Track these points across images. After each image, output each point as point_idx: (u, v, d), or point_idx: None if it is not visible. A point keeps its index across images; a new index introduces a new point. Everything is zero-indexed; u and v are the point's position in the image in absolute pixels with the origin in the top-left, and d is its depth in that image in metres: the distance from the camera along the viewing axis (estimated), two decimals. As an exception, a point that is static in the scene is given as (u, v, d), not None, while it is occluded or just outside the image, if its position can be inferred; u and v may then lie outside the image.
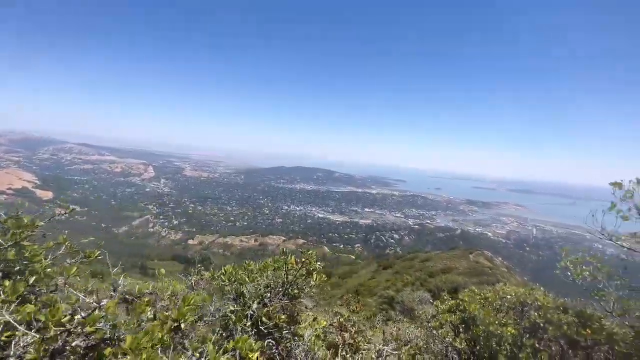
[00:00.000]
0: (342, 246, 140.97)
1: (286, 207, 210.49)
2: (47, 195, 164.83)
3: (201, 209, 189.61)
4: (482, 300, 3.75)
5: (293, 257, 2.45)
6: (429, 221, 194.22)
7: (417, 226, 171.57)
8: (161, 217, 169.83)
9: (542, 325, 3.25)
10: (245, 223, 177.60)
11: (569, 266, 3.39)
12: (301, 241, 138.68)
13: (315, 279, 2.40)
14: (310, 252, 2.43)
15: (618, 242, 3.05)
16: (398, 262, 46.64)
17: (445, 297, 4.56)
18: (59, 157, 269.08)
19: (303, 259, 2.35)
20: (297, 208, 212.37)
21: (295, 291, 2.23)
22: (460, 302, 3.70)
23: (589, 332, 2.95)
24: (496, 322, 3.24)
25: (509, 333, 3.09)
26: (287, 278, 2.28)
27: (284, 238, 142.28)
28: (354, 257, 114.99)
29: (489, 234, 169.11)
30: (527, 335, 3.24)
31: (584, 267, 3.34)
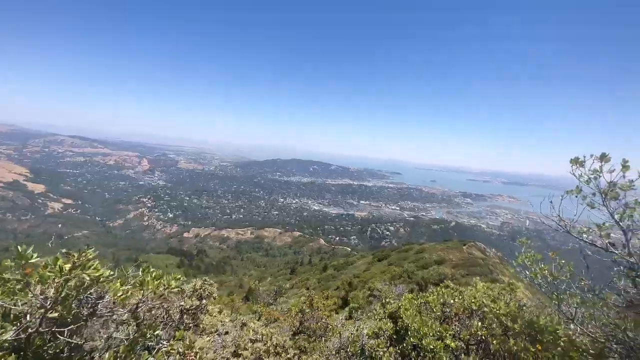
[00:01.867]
0: (338, 238, 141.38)
1: (282, 200, 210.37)
2: (39, 188, 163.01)
3: (197, 202, 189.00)
4: (424, 304, 3.19)
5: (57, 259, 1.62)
6: (424, 213, 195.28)
7: (412, 218, 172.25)
8: (156, 210, 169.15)
9: (484, 338, 2.70)
10: (241, 216, 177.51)
11: (526, 264, 2.83)
12: (297, 234, 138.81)
13: (116, 297, 1.67)
14: (87, 252, 1.70)
15: (582, 236, 2.48)
16: (393, 254, 46.54)
17: (387, 300, 4.00)
18: (50, 150, 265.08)
19: (69, 263, 1.56)
20: (293, 201, 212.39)
21: (55, 315, 1.47)
22: (399, 308, 3.13)
23: (539, 347, 2.41)
24: (431, 334, 2.68)
25: (441, 347, 2.53)
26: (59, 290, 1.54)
27: (280, 231, 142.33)
28: (349, 249, 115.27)
29: (483, 225, 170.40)
30: (474, 349, 2.68)
31: (542, 265, 2.78)
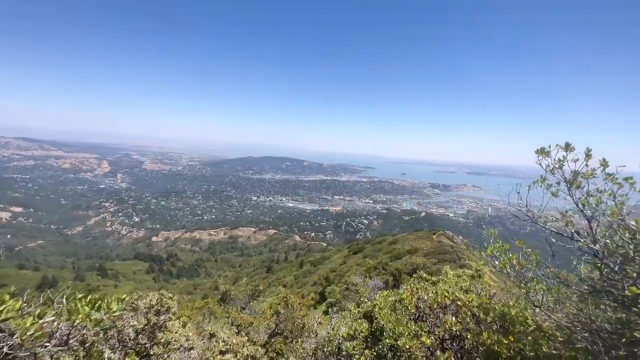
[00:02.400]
0: (313, 234, 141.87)
1: (255, 198, 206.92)
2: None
3: (165, 204, 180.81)
4: (399, 302, 3.14)
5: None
6: (396, 205, 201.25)
7: (385, 211, 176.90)
8: (120, 214, 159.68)
9: (459, 333, 2.71)
10: (213, 216, 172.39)
11: (496, 254, 2.87)
12: (272, 231, 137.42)
13: (24, 337, 1.29)
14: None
15: (547, 225, 2.54)
16: (368, 247, 47.49)
17: (362, 299, 3.94)
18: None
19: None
20: (267, 198, 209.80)
21: None
22: (374, 307, 3.06)
23: (511, 339, 2.44)
24: (406, 333, 2.64)
25: (417, 347, 2.49)
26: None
27: (254, 229, 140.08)
28: (325, 244, 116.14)
29: (450, 214, 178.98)
30: (449, 344, 2.68)
31: (511, 254, 2.83)
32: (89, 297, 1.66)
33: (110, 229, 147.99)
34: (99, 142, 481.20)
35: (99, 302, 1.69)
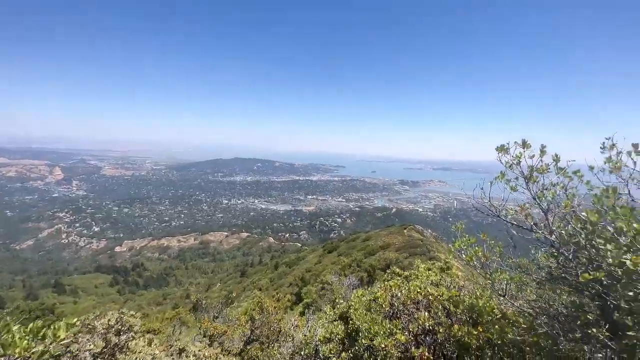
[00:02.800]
0: (287, 235, 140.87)
1: (226, 201, 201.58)
2: None
3: (128, 212, 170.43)
4: (372, 302, 3.18)
5: None
6: (368, 203, 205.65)
7: (357, 208, 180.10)
8: (77, 224, 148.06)
9: (432, 328, 2.81)
10: (182, 222, 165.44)
11: (463, 247, 3.00)
12: (245, 235, 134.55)
13: None
14: None
15: (507, 218, 2.70)
16: (342, 245, 48.02)
17: (337, 300, 3.96)
18: None
19: None
20: (239, 201, 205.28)
21: None
22: (349, 308, 3.07)
23: (480, 329, 2.57)
24: (382, 332, 2.68)
25: (392, 345, 2.54)
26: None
27: (226, 233, 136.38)
28: (300, 244, 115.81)
29: (419, 209, 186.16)
30: (422, 339, 2.76)
31: (476, 247, 2.97)
32: (29, 326, 1.43)
33: (66, 241, 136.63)
34: (50, 147, 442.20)
35: (43, 330, 1.47)
